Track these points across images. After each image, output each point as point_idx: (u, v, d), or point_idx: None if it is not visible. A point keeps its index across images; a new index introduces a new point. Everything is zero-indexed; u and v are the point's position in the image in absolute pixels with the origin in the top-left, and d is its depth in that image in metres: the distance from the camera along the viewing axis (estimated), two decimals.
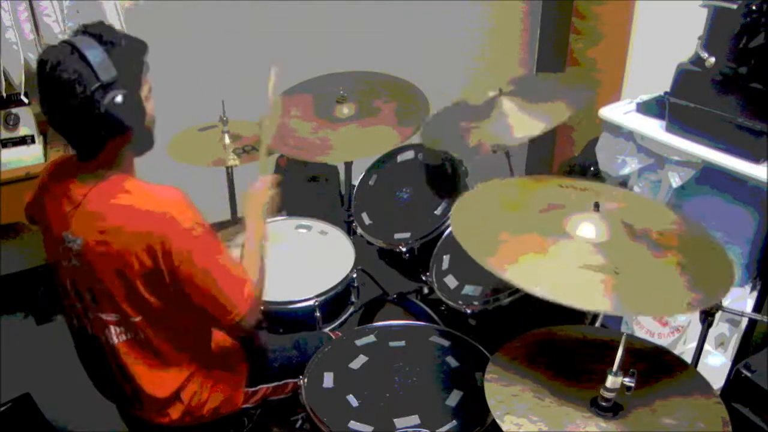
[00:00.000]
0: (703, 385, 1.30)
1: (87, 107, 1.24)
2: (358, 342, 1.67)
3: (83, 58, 1.23)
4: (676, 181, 2.12)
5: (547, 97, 1.89)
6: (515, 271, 1.24)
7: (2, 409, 1.92)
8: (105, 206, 1.32)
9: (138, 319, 1.37)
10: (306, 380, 1.54)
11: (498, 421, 1.19)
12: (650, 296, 1.23)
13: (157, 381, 1.44)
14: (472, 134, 1.89)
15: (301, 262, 1.98)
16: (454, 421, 1.42)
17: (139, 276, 1.32)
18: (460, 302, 1.78)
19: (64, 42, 1.27)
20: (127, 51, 1.30)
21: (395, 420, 1.43)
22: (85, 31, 1.29)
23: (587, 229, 1.34)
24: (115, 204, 1.32)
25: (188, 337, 1.45)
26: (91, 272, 1.35)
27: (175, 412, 1.48)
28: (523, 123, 1.82)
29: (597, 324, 1.78)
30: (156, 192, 1.33)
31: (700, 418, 1.21)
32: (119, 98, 1.25)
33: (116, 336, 1.40)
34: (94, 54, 1.24)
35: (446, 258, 1.91)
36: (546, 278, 1.24)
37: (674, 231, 1.42)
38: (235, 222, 2.22)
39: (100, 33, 1.27)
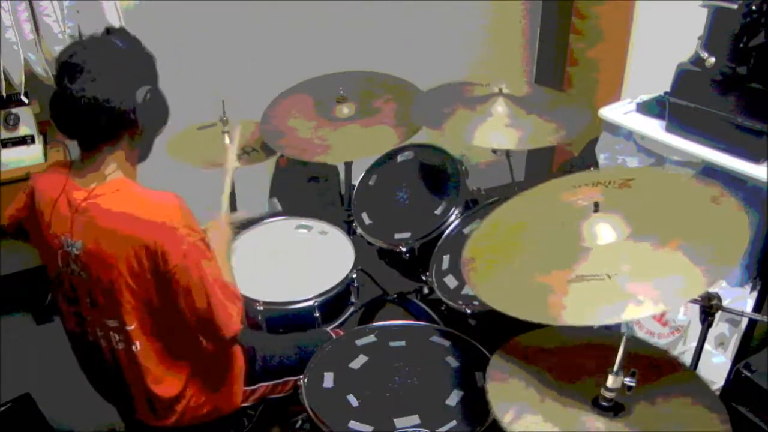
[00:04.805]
0: (703, 386, 1.30)
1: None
2: (358, 342, 1.66)
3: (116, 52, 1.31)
4: None
5: (541, 113, 1.87)
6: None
7: (2, 409, 1.92)
8: (104, 211, 1.32)
9: (133, 327, 1.37)
10: (306, 380, 1.54)
11: (498, 421, 1.19)
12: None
13: (155, 385, 1.44)
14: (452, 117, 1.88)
15: (301, 262, 1.98)
16: (454, 421, 1.42)
17: (137, 281, 1.32)
18: (460, 302, 1.77)
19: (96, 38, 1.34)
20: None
21: (395, 420, 1.43)
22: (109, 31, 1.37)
23: (606, 233, 1.28)
24: (113, 209, 1.32)
25: (185, 341, 1.44)
26: (90, 277, 1.35)
27: (174, 414, 1.48)
28: (504, 133, 1.82)
29: None
30: (154, 198, 1.33)
31: (700, 418, 1.21)
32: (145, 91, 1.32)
33: (115, 342, 1.40)
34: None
35: (446, 258, 1.91)
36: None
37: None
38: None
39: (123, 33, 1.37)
